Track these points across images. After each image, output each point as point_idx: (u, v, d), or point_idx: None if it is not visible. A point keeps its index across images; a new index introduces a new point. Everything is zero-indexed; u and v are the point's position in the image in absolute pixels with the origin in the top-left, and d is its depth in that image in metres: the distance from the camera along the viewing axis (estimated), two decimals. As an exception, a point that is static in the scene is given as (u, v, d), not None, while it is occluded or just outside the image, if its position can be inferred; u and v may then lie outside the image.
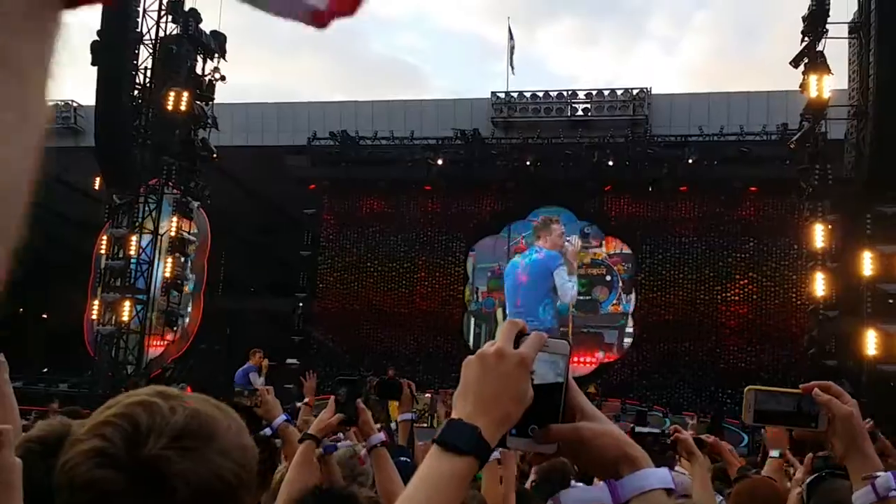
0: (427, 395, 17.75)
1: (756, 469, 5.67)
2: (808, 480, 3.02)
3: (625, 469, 1.30)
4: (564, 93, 25.69)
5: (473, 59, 61.05)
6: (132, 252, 21.07)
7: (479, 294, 25.49)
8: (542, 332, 1.35)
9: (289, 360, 23.96)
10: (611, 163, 23.65)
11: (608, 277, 24.55)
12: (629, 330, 24.24)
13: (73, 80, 19.94)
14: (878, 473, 1.93)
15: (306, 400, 6.70)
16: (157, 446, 1.19)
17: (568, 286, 24.10)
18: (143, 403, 1.23)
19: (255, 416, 4.39)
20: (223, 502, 1.24)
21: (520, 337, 1.31)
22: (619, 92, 25.30)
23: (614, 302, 24.48)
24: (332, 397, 3.92)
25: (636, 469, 1.30)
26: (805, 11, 18.06)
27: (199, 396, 1.32)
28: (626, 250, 24.69)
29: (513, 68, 27.10)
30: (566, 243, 24.54)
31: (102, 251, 21.77)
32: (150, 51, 21.62)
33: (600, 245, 24.84)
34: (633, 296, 24.43)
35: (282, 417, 4.30)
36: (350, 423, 3.90)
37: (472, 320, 25.39)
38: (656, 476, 1.31)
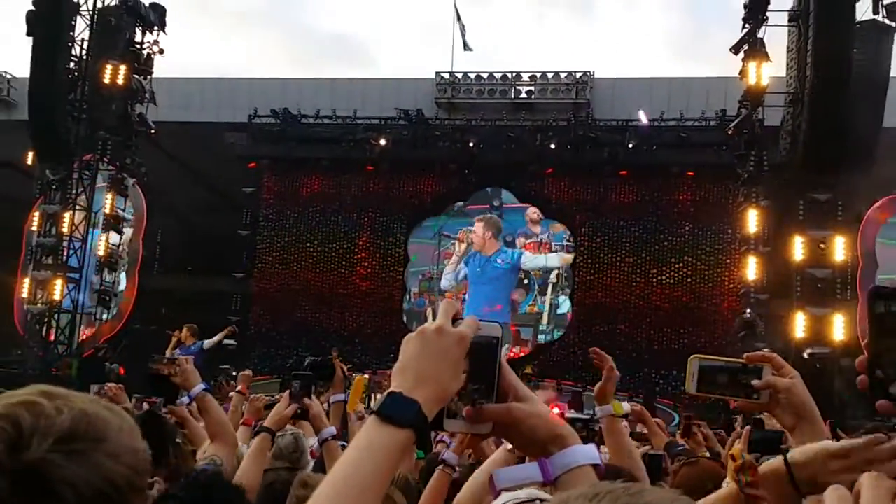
0: (366, 375, 17.70)
1: (682, 445, 5.78)
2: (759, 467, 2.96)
3: (554, 447, 1.36)
4: (508, 75, 25.72)
5: (421, 38, 60.75)
6: (65, 229, 20.55)
7: (412, 294, 25.55)
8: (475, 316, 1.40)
9: (226, 342, 23.72)
10: (553, 146, 23.80)
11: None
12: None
13: (8, 50, 19.36)
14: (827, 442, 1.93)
15: (239, 388, 6.63)
16: (42, 449, 1.11)
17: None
18: (25, 403, 1.16)
19: (173, 384, 4.32)
20: None
21: (454, 320, 1.34)
22: (562, 75, 25.40)
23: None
24: (286, 391, 3.97)
25: (565, 447, 1.37)
26: (746, -1, 18.33)
27: (87, 397, 1.24)
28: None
29: (466, 46, 27.13)
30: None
31: (34, 228, 21.14)
32: (87, 22, 21.01)
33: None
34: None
35: (200, 386, 4.21)
36: (303, 416, 3.93)
37: (405, 318, 25.31)
38: (583, 452, 1.37)
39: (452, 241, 25.35)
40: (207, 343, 14.95)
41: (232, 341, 23.53)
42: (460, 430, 1.39)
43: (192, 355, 13.53)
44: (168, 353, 13.70)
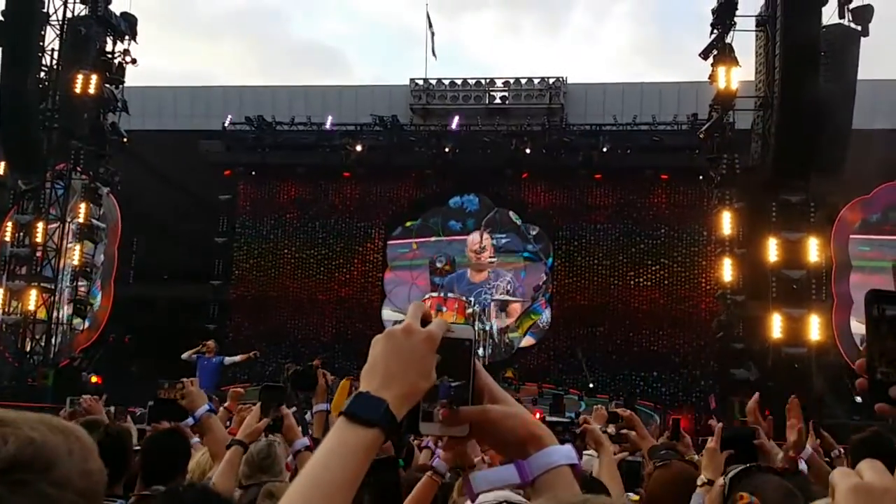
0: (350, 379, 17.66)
1: (667, 450, 5.84)
2: (730, 473, 3.00)
3: (532, 448, 1.34)
4: (482, 80, 25.84)
5: (396, 45, 60.66)
6: (38, 239, 20.37)
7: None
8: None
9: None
10: (528, 151, 23.92)
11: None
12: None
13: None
14: None
15: (226, 404, 6.64)
16: None
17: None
18: None
19: (179, 407, 4.39)
20: None
21: (424, 322, 1.33)
22: (535, 80, 25.58)
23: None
24: (258, 404, 3.99)
25: (542, 447, 1.35)
26: (715, 4, 18.56)
27: (41, 418, 1.18)
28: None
29: (435, 55, 27.21)
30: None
31: (7, 238, 20.95)
32: (58, 32, 20.88)
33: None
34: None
35: (205, 408, 4.31)
36: (275, 428, 3.96)
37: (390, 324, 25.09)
38: (560, 453, 1.35)
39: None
40: (228, 360, 14.89)
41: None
42: (436, 433, 1.35)
43: (213, 367, 13.70)
44: (187, 356, 13.69)
